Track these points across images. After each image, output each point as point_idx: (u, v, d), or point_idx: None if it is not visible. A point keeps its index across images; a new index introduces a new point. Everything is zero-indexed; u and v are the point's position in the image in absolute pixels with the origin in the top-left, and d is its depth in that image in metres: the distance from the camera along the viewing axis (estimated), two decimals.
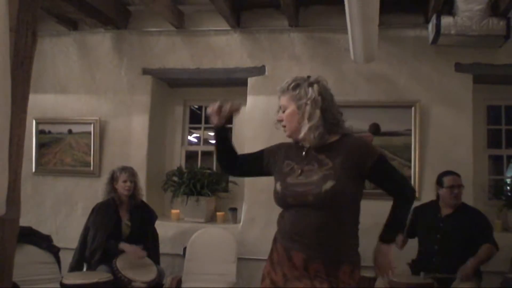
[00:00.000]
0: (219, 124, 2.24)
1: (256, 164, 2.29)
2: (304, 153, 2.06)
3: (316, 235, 1.92)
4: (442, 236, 3.58)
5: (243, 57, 4.74)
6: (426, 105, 4.39)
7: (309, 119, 1.98)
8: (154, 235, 4.22)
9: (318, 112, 1.97)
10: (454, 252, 3.50)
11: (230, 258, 4.27)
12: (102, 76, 5.00)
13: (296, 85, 2.05)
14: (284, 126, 2.10)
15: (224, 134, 2.28)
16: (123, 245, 3.83)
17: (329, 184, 1.91)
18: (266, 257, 4.31)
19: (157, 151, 5.10)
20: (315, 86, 2.01)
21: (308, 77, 2.08)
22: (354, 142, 2.00)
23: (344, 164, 1.94)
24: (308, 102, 1.98)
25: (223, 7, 4.26)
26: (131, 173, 4.06)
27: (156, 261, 4.03)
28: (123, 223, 4.01)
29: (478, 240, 3.52)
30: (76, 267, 3.90)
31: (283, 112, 2.09)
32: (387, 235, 2.08)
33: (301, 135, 2.01)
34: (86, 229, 4.00)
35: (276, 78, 4.67)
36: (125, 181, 4.00)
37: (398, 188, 2.05)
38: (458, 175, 3.74)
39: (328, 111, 2.00)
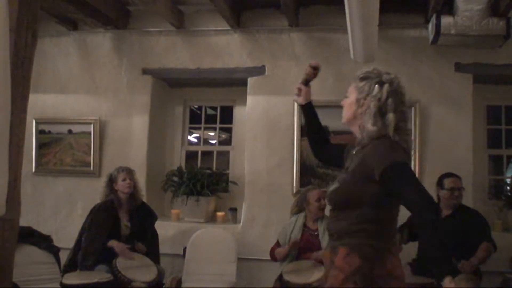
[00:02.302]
0: (303, 102, 2.27)
1: (338, 155, 2.16)
2: (354, 152, 2.02)
3: (335, 224, 1.96)
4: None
5: (243, 57, 4.74)
6: (426, 105, 4.39)
7: (367, 116, 1.90)
8: (154, 236, 4.22)
9: (377, 113, 1.89)
10: (453, 252, 3.50)
11: (230, 258, 4.27)
12: (102, 76, 5.00)
13: (366, 77, 1.96)
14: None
15: (311, 111, 2.29)
16: (111, 243, 3.81)
17: (333, 187, 1.97)
18: (266, 257, 4.33)
19: (157, 151, 5.10)
20: (385, 86, 1.91)
21: (386, 73, 1.97)
22: (377, 145, 1.88)
23: (357, 166, 1.92)
24: (372, 99, 1.90)
25: (223, 7, 4.26)
26: (128, 171, 4.06)
27: (156, 261, 4.03)
28: (122, 224, 4.00)
29: (476, 239, 3.53)
30: (69, 268, 3.85)
31: (346, 97, 2.05)
32: (435, 272, 1.72)
33: (357, 128, 1.97)
34: (82, 231, 3.99)
35: (276, 78, 4.67)
36: (124, 180, 4.00)
37: (411, 207, 1.76)
38: (458, 177, 3.75)
39: (389, 114, 1.89)
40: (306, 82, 2.30)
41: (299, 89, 2.28)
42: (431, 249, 1.69)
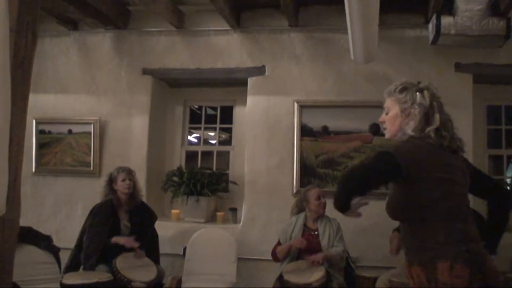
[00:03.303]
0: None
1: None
2: None
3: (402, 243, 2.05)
4: None
5: (243, 57, 4.75)
6: None
7: (414, 123, 1.98)
8: (154, 236, 4.22)
9: (422, 117, 1.97)
10: None
11: (230, 258, 4.27)
12: (102, 76, 5.00)
13: (403, 88, 2.05)
14: (385, 129, 2.11)
15: None
16: (115, 239, 3.82)
17: (387, 199, 2.03)
18: (266, 257, 4.33)
19: (157, 151, 5.10)
20: (425, 92, 2.01)
21: (418, 82, 2.07)
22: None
23: None
24: (416, 106, 1.99)
25: (223, 7, 4.26)
26: (128, 172, 4.06)
27: (156, 261, 4.03)
28: (122, 224, 4.00)
29: None
30: (69, 269, 3.87)
31: (386, 114, 2.09)
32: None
33: (404, 137, 2.02)
34: (83, 231, 4.00)
35: (276, 78, 4.67)
36: (124, 180, 4.00)
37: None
38: None
39: (436, 115, 1.98)
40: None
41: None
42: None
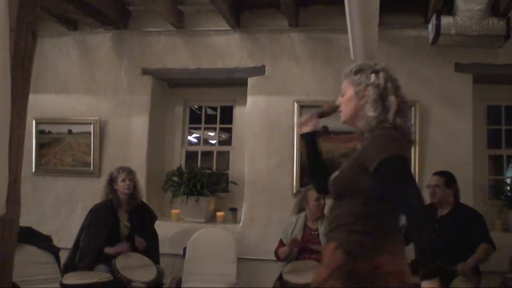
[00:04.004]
0: (309, 130, 2.22)
1: None
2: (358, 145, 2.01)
3: (331, 219, 1.98)
4: (438, 236, 3.59)
5: (243, 57, 4.75)
6: (426, 105, 4.39)
7: (370, 104, 1.90)
8: (154, 236, 4.22)
9: (378, 99, 1.90)
10: (450, 252, 3.51)
11: (230, 258, 4.27)
12: (102, 76, 5.00)
13: (359, 69, 1.98)
14: (340, 111, 2.05)
15: (314, 143, 2.24)
16: (107, 250, 3.80)
17: (335, 174, 1.99)
18: (266, 257, 4.34)
19: (157, 151, 5.10)
20: (380, 73, 1.94)
21: (375, 63, 2.00)
22: (377, 135, 1.86)
23: (357, 156, 1.92)
24: (370, 87, 1.92)
25: (223, 7, 4.26)
26: (129, 172, 4.06)
27: (156, 261, 4.03)
28: (122, 224, 4.00)
29: (474, 239, 3.53)
30: (68, 267, 3.86)
31: (342, 96, 2.04)
32: (419, 269, 1.70)
33: (361, 121, 1.94)
34: (81, 231, 3.99)
35: (276, 78, 4.67)
36: (124, 180, 4.00)
37: (402, 207, 1.77)
38: (441, 175, 3.78)
39: (389, 100, 1.90)
40: (321, 116, 2.23)
41: (308, 120, 2.23)
42: (418, 251, 1.69)
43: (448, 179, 3.74)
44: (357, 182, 1.87)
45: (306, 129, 2.24)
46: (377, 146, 1.83)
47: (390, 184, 1.78)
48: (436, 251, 1.72)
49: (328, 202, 3.84)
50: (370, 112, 1.90)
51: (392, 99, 1.90)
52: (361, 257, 1.80)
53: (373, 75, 1.93)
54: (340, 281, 1.80)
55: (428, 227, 1.85)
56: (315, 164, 2.25)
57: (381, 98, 1.90)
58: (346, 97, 2.01)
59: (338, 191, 1.97)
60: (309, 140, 2.25)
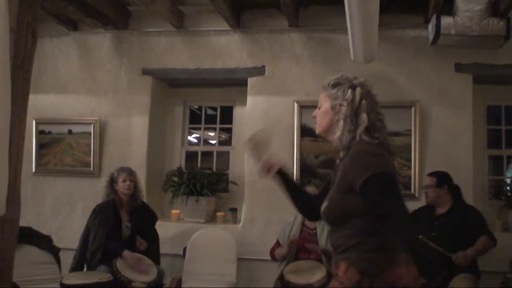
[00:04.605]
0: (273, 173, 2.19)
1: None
2: (337, 162, 1.99)
3: (335, 244, 1.94)
4: (437, 233, 3.60)
5: (243, 57, 4.74)
6: (426, 105, 4.39)
7: (344, 121, 1.89)
8: (155, 236, 4.22)
9: (352, 116, 1.88)
10: (449, 248, 3.51)
11: (230, 258, 4.27)
12: (102, 76, 5.00)
13: (336, 83, 1.97)
14: (316, 123, 2.04)
15: (286, 178, 2.21)
16: (126, 253, 3.77)
17: (324, 205, 1.94)
18: (266, 257, 4.33)
19: (157, 151, 5.10)
20: (358, 89, 1.92)
21: (354, 78, 1.99)
22: (355, 153, 1.85)
23: (340, 180, 1.89)
24: (344, 104, 1.90)
25: (223, 7, 4.26)
26: (129, 172, 4.06)
27: (156, 262, 4.03)
28: (123, 225, 4.00)
29: (474, 234, 3.53)
30: (76, 268, 3.90)
31: (319, 108, 2.02)
32: None
33: (334, 136, 1.93)
34: (87, 230, 4.00)
35: (276, 78, 4.67)
36: (124, 181, 4.00)
37: (385, 223, 1.77)
38: (434, 176, 3.79)
39: (362, 114, 1.88)
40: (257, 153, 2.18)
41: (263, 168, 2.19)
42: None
43: (439, 178, 3.76)
44: (349, 207, 1.84)
45: (269, 176, 2.20)
46: (358, 166, 1.81)
47: (374, 203, 1.76)
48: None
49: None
50: (343, 128, 1.90)
51: (363, 116, 1.88)
52: (376, 275, 1.78)
53: (349, 91, 1.92)
54: None
55: (413, 240, 1.88)
56: (296, 199, 2.21)
57: (355, 115, 1.89)
58: (322, 110, 2.00)
59: (332, 220, 1.95)
60: (279, 180, 2.21)
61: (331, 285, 1.90)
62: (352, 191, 1.81)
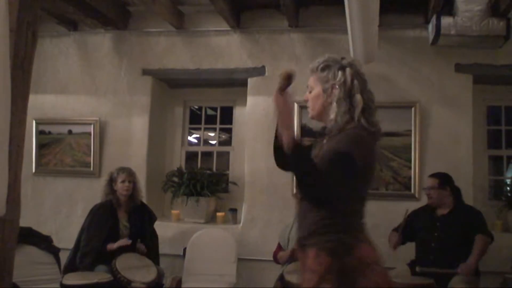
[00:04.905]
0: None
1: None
2: (324, 141, 1.95)
3: (303, 222, 1.92)
4: (439, 233, 3.60)
5: (243, 57, 4.75)
6: (426, 106, 4.39)
7: (337, 103, 1.88)
8: (154, 236, 4.21)
9: (346, 97, 1.87)
10: (451, 249, 3.52)
11: (230, 258, 4.27)
12: (102, 77, 5.00)
13: (325, 66, 1.95)
14: (308, 107, 2.03)
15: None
16: (110, 246, 3.80)
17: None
18: (266, 258, 4.33)
19: (157, 152, 5.10)
20: (347, 69, 1.90)
21: (342, 58, 1.96)
22: (344, 136, 1.84)
23: (323, 157, 1.86)
24: (337, 85, 1.89)
25: (223, 7, 4.26)
26: (129, 173, 4.05)
27: (156, 262, 4.03)
28: (121, 225, 3.99)
29: (472, 233, 3.53)
30: (69, 268, 3.86)
31: (309, 92, 2.01)
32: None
33: (328, 118, 1.91)
34: (81, 231, 3.99)
35: (276, 78, 4.62)
36: (123, 181, 3.99)
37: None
38: (436, 177, 3.79)
39: (357, 95, 1.87)
40: (282, 90, 2.02)
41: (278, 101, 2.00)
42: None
43: (442, 180, 3.75)
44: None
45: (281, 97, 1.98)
46: (346, 140, 1.80)
47: (329, 173, 1.73)
48: None
49: None
50: (337, 110, 1.88)
51: (358, 97, 1.87)
52: (344, 254, 1.78)
53: (340, 72, 1.91)
54: (332, 282, 1.77)
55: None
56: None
57: (348, 96, 1.88)
58: (314, 94, 1.99)
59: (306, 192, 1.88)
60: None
61: (305, 277, 1.86)
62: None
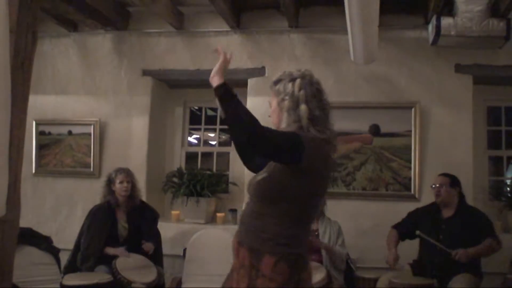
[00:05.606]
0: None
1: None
2: None
3: (248, 222, 1.97)
4: (444, 237, 3.58)
5: (243, 58, 4.74)
6: (426, 106, 4.39)
7: (287, 113, 1.94)
8: (157, 235, 4.21)
9: (296, 107, 1.92)
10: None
11: (230, 259, 4.24)
12: (102, 77, 5.00)
13: (278, 80, 2.02)
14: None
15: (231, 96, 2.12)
16: (108, 250, 3.81)
17: (261, 175, 1.94)
18: None
19: (157, 152, 5.10)
20: (297, 80, 1.96)
21: (298, 71, 2.02)
22: None
23: None
24: (286, 97, 1.95)
25: (223, 8, 4.26)
26: (127, 173, 4.04)
27: (159, 262, 4.02)
28: (120, 225, 3.98)
29: (480, 237, 3.52)
30: (69, 269, 3.85)
31: (270, 107, 2.08)
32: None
33: (282, 128, 1.96)
34: (81, 233, 3.98)
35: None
36: (121, 182, 3.98)
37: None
38: (445, 175, 3.77)
39: (301, 105, 1.92)
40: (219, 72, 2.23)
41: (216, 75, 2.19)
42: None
43: (453, 180, 3.75)
44: (287, 183, 1.87)
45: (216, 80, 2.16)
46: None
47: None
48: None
49: (330, 203, 3.84)
50: (287, 120, 1.94)
51: (303, 107, 1.91)
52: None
53: (290, 84, 1.97)
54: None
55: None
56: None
57: (296, 106, 1.93)
58: (272, 108, 2.06)
59: (264, 194, 1.93)
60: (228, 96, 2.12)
61: (258, 283, 1.88)
62: (296, 168, 1.84)
